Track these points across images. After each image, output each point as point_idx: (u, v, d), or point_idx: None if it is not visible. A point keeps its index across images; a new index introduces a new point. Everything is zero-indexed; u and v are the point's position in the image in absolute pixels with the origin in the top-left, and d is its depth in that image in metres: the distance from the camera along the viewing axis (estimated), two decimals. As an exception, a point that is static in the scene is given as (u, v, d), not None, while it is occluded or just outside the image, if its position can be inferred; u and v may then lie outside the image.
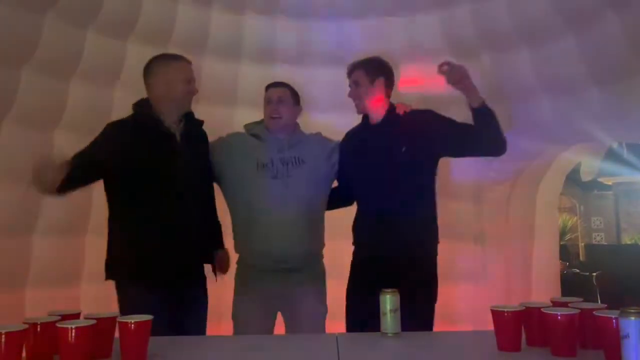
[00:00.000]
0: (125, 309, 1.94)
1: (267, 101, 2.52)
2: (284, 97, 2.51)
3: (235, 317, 2.46)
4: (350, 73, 2.51)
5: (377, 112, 2.47)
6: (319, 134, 2.64)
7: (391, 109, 2.47)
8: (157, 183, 2.16)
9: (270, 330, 2.44)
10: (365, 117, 2.54)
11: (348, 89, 2.52)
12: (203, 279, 2.36)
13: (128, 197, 2.19)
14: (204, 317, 2.33)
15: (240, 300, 2.46)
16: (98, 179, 2.22)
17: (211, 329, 2.39)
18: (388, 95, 2.50)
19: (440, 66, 2.31)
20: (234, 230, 2.50)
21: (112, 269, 2.21)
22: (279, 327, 2.51)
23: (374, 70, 2.47)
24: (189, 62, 2.34)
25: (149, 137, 2.19)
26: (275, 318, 2.48)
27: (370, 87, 2.46)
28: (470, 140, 2.37)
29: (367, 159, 2.43)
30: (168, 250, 2.15)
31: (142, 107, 2.27)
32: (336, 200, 2.56)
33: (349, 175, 2.52)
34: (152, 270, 2.13)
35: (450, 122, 2.40)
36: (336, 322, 2.49)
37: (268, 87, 2.56)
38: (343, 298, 2.47)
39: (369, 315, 2.21)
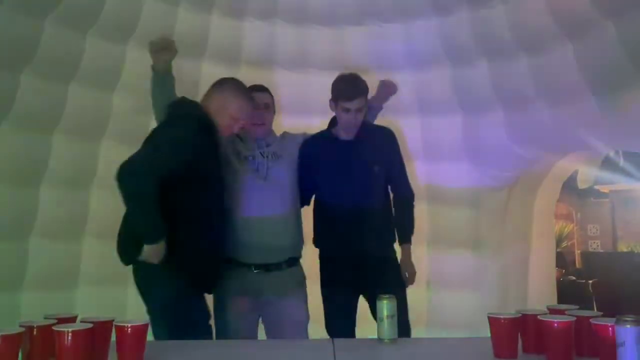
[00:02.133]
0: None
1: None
2: (269, 104, 2.53)
3: (216, 321, 2.43)
4: (350, 100, 2.43)
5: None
6: (286, 133, 2.67)
7: (361, 126, 2.55)
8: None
9: (253, 335, 2.43)
10: (332, 127, 2.60)
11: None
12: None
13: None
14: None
15: (222, 305, 2.43)
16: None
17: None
18: None
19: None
20: None
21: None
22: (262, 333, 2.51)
23: (367, 92, 2.52)
24: (250, 102, 2.35)
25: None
26: (257, 323, 2.48)
27: (365, 110, 2.53)
28: (394, 191, 2.64)
29: (337, 171, 2.52)
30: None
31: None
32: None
33: (311, 181, 2.58)
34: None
35: (401, 163, 2.64)
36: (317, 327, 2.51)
37: (251, 90, 2.52)
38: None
39: (344, 317, 2.46)
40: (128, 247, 2.16)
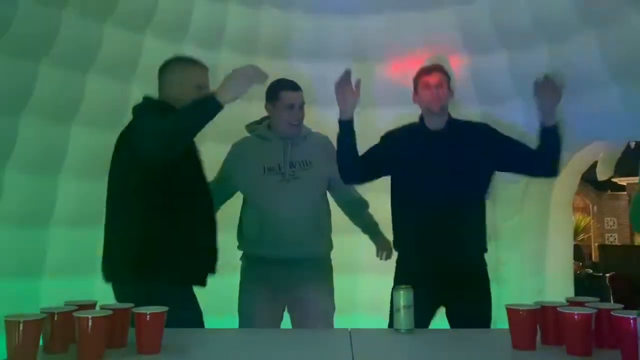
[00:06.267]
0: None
1: (289, 107, 2.44)
2: (303, 103, 2.47)
3: (241, 311, 2.45)
4: (427, 74, 2.39)
5: (442, 118, 2.40)
6: (310, 134, 2.57)
7: (450, 117, 2.42)
8: (179, 187, 2.08)
9: (277, 325, 2.44)
10: (422, 120, 2.44)
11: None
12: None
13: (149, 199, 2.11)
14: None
15: (247, 295, 2.45)
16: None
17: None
18: None
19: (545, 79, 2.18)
20: (240, 230, 2.51)
21: (116, 270, 2.15)
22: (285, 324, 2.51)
23: (449, 78, 2.43)
24: (204, 68, 2.25)
25: None
26: (282, 314, 2.48)
27: (448, 91, 2.41)
28: (528, 161, 2.32)
29: (426, 163, 2.32)
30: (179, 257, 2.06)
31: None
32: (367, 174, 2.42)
33: (394, 174, 2.42)
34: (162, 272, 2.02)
35: (508, 139, 2.38)
36: (343, 318, 2.51)
37: (284, 89, 2.46)
38: (351, 293, 2.52)
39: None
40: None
